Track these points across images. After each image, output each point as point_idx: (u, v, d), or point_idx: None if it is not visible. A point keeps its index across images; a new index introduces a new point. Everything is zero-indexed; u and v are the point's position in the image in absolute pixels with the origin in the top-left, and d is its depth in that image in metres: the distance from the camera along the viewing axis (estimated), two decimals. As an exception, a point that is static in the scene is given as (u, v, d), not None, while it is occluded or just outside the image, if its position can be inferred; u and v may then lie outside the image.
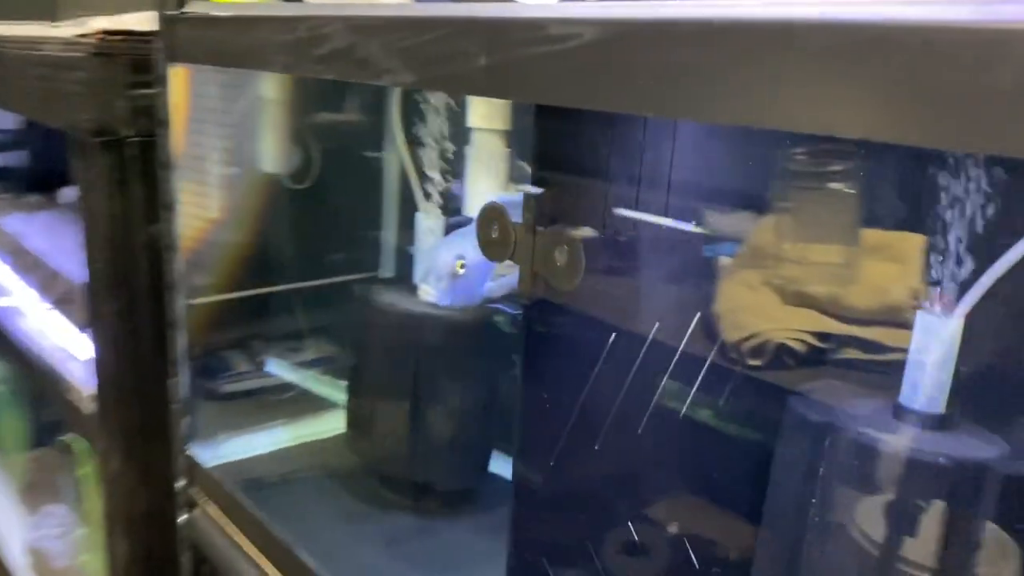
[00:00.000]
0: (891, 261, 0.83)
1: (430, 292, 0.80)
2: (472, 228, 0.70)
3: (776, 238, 0.77)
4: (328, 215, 1.03)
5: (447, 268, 0.78)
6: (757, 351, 0.90)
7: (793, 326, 0.86)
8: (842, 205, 0.74)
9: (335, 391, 0.97)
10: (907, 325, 0.83)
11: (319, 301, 1.03)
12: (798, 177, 0.75)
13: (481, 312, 0.84)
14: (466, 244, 0.79)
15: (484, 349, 0.82)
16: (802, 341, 0.88)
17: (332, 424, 0.92)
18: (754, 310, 0.89)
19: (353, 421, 0.85)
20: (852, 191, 0.74)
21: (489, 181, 0.78)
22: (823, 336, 0.86)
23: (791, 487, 0.58)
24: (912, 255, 0.83)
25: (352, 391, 0.85)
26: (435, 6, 0.51)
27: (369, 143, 1.03)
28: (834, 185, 0.74)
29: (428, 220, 0.89)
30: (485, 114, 0.79)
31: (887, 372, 0.86)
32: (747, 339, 0.89)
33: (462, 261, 0.77)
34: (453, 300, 0.79)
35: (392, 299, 0.85)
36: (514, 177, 0.82)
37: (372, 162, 1.02)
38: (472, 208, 0.81)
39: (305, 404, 0.96)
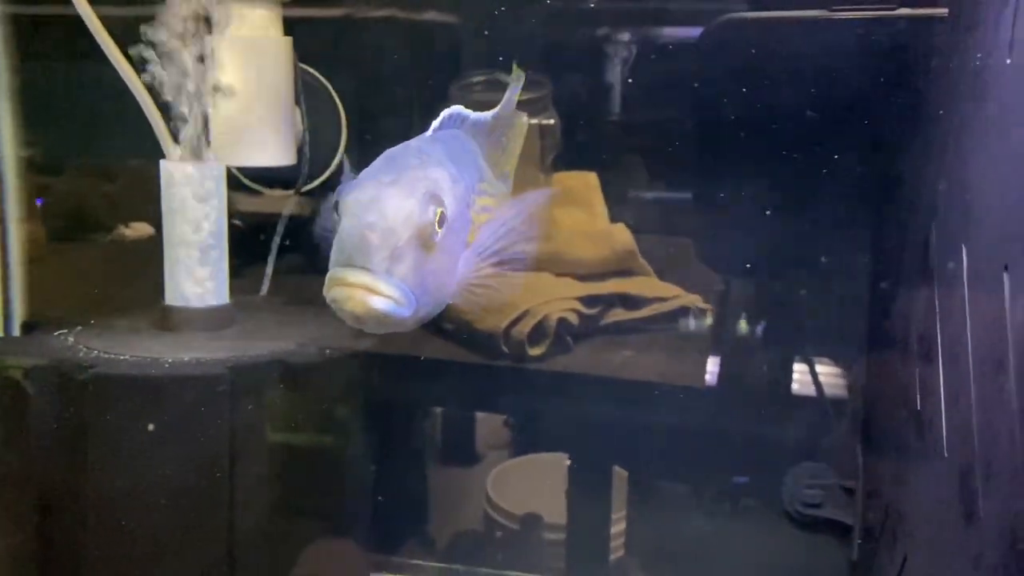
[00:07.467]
0: (574, 205, 0.74)
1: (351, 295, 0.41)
2: (453, 139, 0.52)
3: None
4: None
5: (416, 227, 0.40)
6: (536, 335, 0.77)
7: (560, 293, 0.75)
8: (536, 140, 0.64)
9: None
10: (638, 272, 0.76)
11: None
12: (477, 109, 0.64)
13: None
14: (435, 172, 0.43)
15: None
16: (574, 311, 0.77)
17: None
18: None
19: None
20: (549, 121, 0.65)
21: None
22: (589, 300, 0.76)
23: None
24: (592, 196, 0.75)
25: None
26: None
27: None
28: (532, 119, 0.63)
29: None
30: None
31: (652, 329, 0.78)
32: (515, 322, 0.76)
33: (442, 209, 0.41)
34: (420, 303, 0.42)
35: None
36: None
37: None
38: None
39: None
